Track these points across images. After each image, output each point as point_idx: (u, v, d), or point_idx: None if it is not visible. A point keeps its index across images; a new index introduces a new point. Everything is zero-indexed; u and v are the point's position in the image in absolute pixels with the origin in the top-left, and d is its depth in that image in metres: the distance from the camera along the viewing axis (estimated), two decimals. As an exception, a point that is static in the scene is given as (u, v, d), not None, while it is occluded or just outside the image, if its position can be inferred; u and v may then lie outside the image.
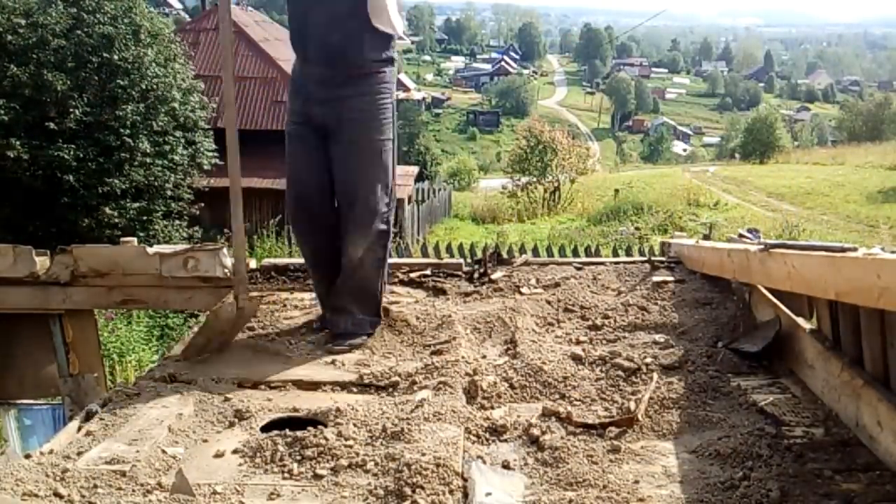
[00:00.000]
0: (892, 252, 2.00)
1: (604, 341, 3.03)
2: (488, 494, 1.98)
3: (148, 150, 12.23)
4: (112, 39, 12.14)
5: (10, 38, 11.98)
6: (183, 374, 2.82)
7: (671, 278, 3.78)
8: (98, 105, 12.07)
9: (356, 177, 3.05)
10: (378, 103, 3.06)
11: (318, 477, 2.10)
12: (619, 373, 2.69)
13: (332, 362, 2.92)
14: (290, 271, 3.95)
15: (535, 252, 7.63)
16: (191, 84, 13.53)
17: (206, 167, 13.83)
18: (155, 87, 12.40)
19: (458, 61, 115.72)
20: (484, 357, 2.91)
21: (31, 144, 11.43)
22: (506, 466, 2.15)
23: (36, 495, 1.97)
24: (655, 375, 2.62)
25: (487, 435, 2.34)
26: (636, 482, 2.04)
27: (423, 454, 2.18)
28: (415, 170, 21.77)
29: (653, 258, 4.13)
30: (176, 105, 12.76)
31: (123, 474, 2.09)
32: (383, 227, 3.08)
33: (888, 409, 2.06)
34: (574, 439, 2.28)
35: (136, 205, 12.32)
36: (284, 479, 2.10)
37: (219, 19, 2.94)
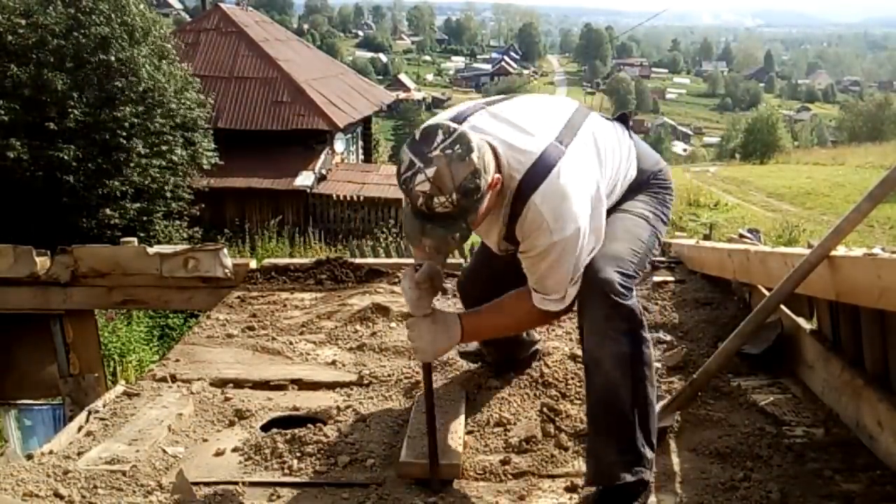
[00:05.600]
0: (892, 252, 2.00)
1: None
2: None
3: (143, 152, 12.23)
4: (108, 40, 12.14)
5: (10, 38, 11.98)
6: (183, 374, 2.82)
7: (671, 278, 3.79)
8: (97, 105, 12.07)
9: None
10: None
11: (318, 474, 2.11)
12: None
13: (333, 362, 2.93)
14: (291, 271, 3.95)
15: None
16: (185, 80, 13.47)
17: (205, 167, 13.82)
18: (151, 87, 12.39)
19: (458, 61, 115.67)
20: (484, 357, 2.91)
21: (31, 144, 11.44)
22: (504, 463, 2.16)
23: (37, 495, 1.98)
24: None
25: (488, 433, 2.34)
26: (636, 482, 2.04)
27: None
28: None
29: (653, 258, 4.13)
30: (173, 105, 12.73)
31: (123, 474, 2.09)
32: (622, 301, 1.96)
33: (888, 409, 2.06)
34: (572, 438, 2.28)
35: (136, 205, 12.30)
36: (284, 475, 2.11)
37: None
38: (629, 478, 1.94)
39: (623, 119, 2.24)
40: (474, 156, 1.74)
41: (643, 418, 1.98)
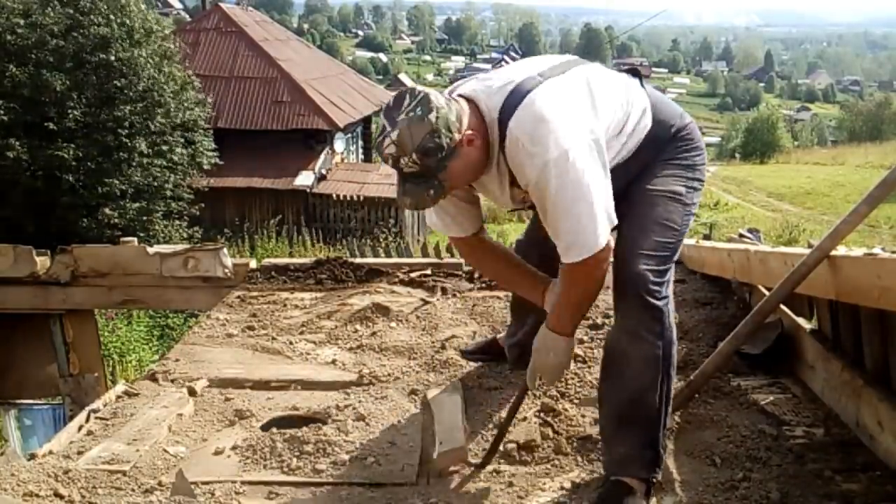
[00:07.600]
0: (892, 252, 2.00)
1: (604, 341, 3.02)
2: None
3: (145, 151, 12.22)
4: (108, 40, 12.14)
5: (9, 37, 11.97)
6: (183, 373, 2.82)
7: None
8: (96, 105, 12.06)
9: (623, 231, 2.05)
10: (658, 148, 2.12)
11: (317, 472, 2.11)
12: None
13: (333, 362, 2.93)
14: (291, 271, 3.95)
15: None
16: (184, 80, 13.45)
17: (205, 167, 13.82)
18: (151, 87, 12.39)
19: (458, 61, 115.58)
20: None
21: (31, 144, 11.43)
22: (504, 464, 2.16)
23: (37, 495, 1.98)
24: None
25: (487, 435, 2.34)
26: (636, 482, 2.04)
27: (423, 451, 2.18)
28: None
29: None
30: (171, 106, 12.71)
31: (123, 474, 2.09)
32: (654, 301, 1.97)
33: (888, 409, 2.06)
34: (571, 439, 2.28)
35: (135, 205, 12.30)
36: (284, 474, 2.11)
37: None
38: (645, 475, 1.97)
39: (634, 73, 2.15)
40: (432, 116, 1.78)
41: (666, 418, 2.02)
